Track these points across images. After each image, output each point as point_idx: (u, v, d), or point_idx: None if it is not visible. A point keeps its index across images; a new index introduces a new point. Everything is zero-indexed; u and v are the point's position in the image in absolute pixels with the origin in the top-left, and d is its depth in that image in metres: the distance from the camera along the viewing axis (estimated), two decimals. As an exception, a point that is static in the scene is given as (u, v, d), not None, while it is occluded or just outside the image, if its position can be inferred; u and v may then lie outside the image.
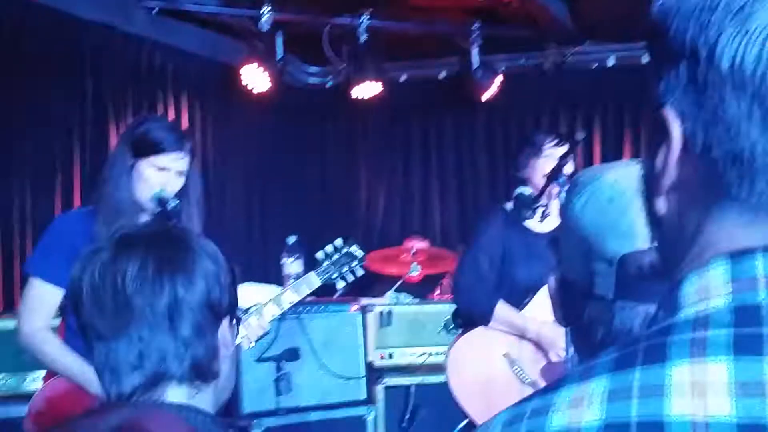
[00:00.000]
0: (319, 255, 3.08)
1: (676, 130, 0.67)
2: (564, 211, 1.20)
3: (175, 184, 2.77)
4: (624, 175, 1.15)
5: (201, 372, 1.32)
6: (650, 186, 0.72)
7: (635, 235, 1.12)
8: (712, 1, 0.65)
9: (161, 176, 2.74)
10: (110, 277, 1.29)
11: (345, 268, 3.09)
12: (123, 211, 2.72)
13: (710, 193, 0.67)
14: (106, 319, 1.30)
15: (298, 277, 3.69)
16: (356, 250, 3.13)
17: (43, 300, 2.73)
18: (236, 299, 1.41)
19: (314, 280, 3.05)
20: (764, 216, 0.65)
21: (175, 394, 1.29)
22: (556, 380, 0.67)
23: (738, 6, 0.64)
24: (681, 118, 0.67)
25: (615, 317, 1.12)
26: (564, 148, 3.52)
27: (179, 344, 1.29)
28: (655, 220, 0.72)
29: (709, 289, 0.64)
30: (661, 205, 0.70)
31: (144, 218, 2.80)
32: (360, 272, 3.13)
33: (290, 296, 3.02)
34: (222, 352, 1.36)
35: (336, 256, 3.08)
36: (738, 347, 0.60)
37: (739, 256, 0.64)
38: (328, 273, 3.07)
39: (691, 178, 0.68)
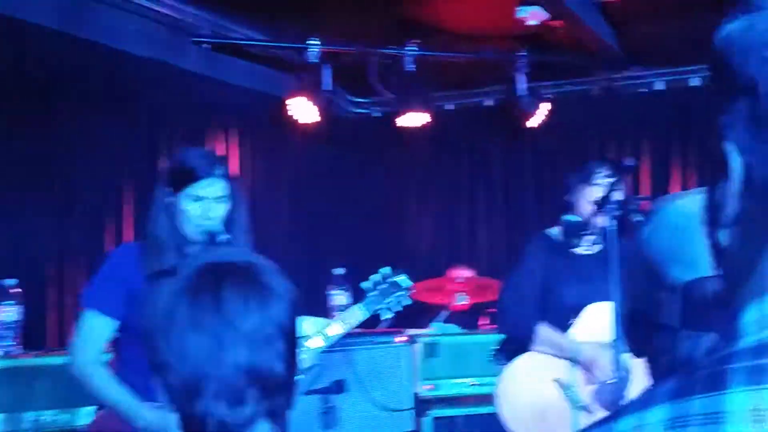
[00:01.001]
0: (366, 285, 3.07)
1: (737, 164, 0.68)
2: (634, 239, 1.21)
3: (215, 210, 2.72)
4: (691, 203, 1.15)
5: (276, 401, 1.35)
6: (712, 218, 0.73)
7: (701, 263, 1.10)
8: None
9: (200, 207, 2.71)
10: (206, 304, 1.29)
11: (391, 299, 3.07)
12: (165, 249, 2.72)
13: None
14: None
15: (343, 309, 3.69)
16: (404, 280, 3.11)
17: (96, 332, 2.75)
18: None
19: (360, 314, 3.03)
20: None
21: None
22: (616, 410, 0.68)
23: None
24: (742, 152, 0.68)
25: (680, 346, 1.12)
26: (614, 178, 3.51)
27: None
28: (717, 251, 0.73)
29: None
30: (724, 237, 0.71)
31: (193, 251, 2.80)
32: (407, 302, 3.10)
33: (335, 329, 3.01)
34: None
35: (383, 286, 3.06)
36: None
37: None
38: (374, 304, 3.04)
39: (752, 212, 0.68)
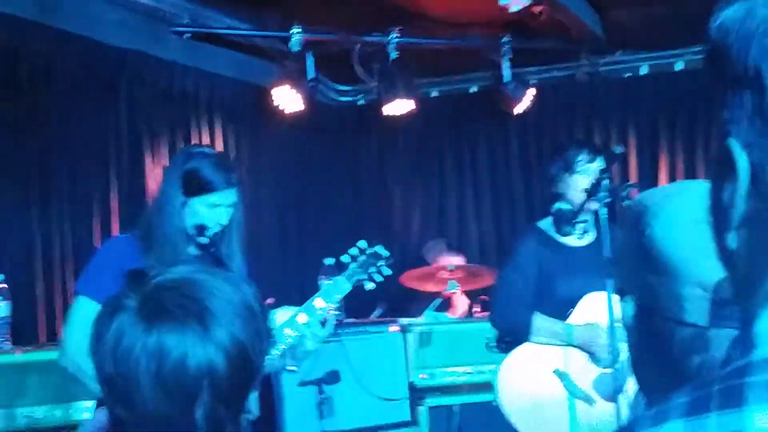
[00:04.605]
0: (345, 258, 3.07)
1: (743, 162, 0.64)
2: (635, 233, 1.16)
3: (227, 216, 2.84)
4: (703, 196, 1.11)
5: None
6: (718, 219, 0.68)
7: None
8: None
9: (214, 213, 2.81)
10: (134, 353, 1.28)
11: (372, 269, 3.07)
12: (174, 245, 2.77)
13: None
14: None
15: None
16: (381, 249, 3.11)
17: (89, 319, 2.71)
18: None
19: (343, 284, 3.02)
20: None
21: None
22: (626, 425, 0.64)
23: None
24: (748, 149, 0.63)
25: (711, 345, 1.07)
26: (598, 163, 3.50)
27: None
28: (725, 255, 0.69)
29: None
30: (732, 240, 0.67)
31: (191, 247, 2.83)
32: (387, 272, 3.10)
33: (320, 302, 2.99)
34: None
35: (362, 258, 3.06)
36: None
37: None
38: (355, 276, 3.04)
39: (761, 212, 0.64)
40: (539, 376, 3.46)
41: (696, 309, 1.07)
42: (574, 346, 3.47)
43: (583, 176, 3.50)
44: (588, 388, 3.43)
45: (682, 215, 1.10)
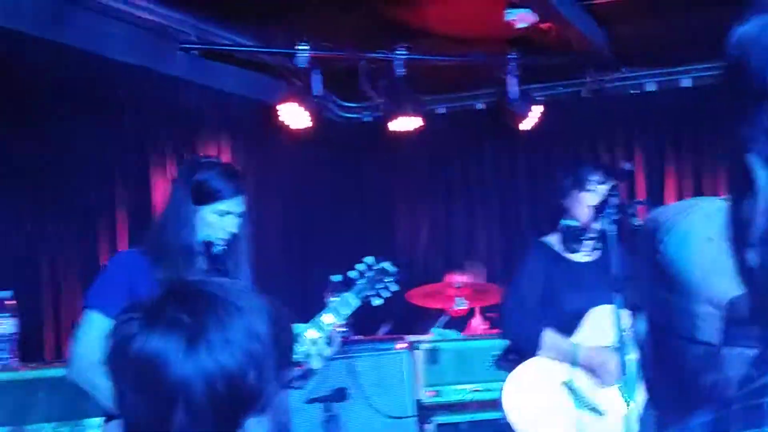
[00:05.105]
0: (352, 274, 3.06)
1: (762, 178, 0.62)
2: (648, 250, 1.15)
3: (235, 224, 2.85)
4: (716, 213, 1.10)
5: None
6: (738, 236, 0.67)
7: None
8: None
9: (224, 221, 2.82)
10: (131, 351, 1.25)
11: (380, 285, 3.07)
12: (185, 256, 2.76)
13: None
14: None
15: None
16: (389, 266, 3.11)
17: (98, 334, 2.69)
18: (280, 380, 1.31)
19: (352, 300, 3.02)
20: None
21: None
22: None
23: None
24: (767, 165, 0.62)
25: (723, 365, 1.06)
26: (608, 186, 3.50)
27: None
28: (745, 271, 0.67)
29: None
30: (752, 256, 0.65)
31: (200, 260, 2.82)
32: (395, 288, 3.10)
33: (329, 318, 2.98)
34: None
35: (370, 274, 3.06)
36: None
37: None
38: (363, 291, 3.04)
39: None
40: (548, 389, 3.47)
41: (708, 327, 1.05)
42: (587, 368, 3.47)
43: (592, 195, 3.51)
44: (597, 401, 3.44)
45: (695, 232, 1.09)
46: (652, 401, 1.22)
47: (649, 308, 1.15)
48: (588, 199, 3.52)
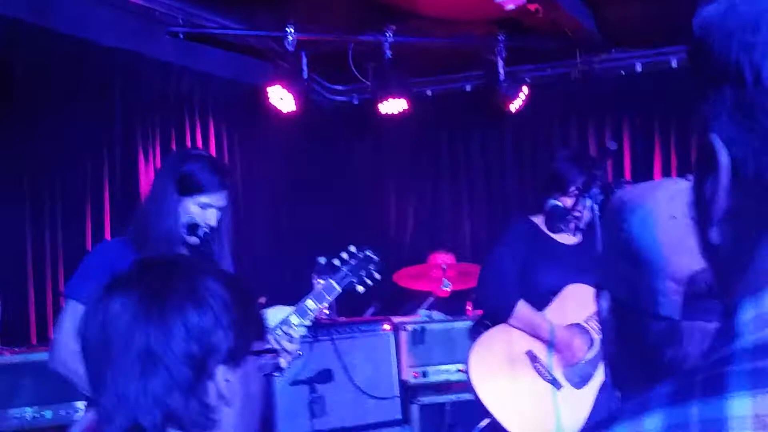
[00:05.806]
0: (336, 261, 3.09)
1: (724, 157, 0.64)
2: (613, 228, 1.17)
3: (215, 218, 2.87)
4: (679, 193, 1.12)
5: (183, 425, 1.24)
6: (701, 214, 0.69)
7: None
8: (756, 20, 0.61)
9: (205, 213, 2.84)
10: (97, 318, 1.27)
11: (363, 272, 3.10)
12: (168, 243, 2.79)
13: (764, 220, 0.64)
14: (90, 366, 1.29)
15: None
16: (372, 254, 3.13)
17: (78, 322, 2.72)
18: (249, 341, 1.32)
19: (335, 286, 3.04)
20: None
21: None
22: (606, 416, 0.64)
23: None
24: (729, 144, 0.64)
25: (683, 338, 1.09)
26: (590, 201, 3.46)
27: (148, 399, 1.23)
28: (708, 248, 0.69)
29: (767, 317, 0.61)
30: (714, 234, 0.67)
31: (182, 247, 2.85)
32: (378, 276, 3.13)
33: (312, 304, 3.01)
34: (220, 404, 1.27)
35: (353, 261, 3.08)
36: None
37: None
38: (346, 278, 3.07)
39: (743, 207, 0.64)
40: (511, 357, 3.50)
41: (669, 302, 1.08)
42: (552, 344, 3.50)
43: (572, 199, 3.51)
44: (558, 373, 3.47)
45: (659, 211, 1.11)
46: (613, 378, 1.24)
47: (612, 285, 1.18)
48: (568, 201, 3.53)
